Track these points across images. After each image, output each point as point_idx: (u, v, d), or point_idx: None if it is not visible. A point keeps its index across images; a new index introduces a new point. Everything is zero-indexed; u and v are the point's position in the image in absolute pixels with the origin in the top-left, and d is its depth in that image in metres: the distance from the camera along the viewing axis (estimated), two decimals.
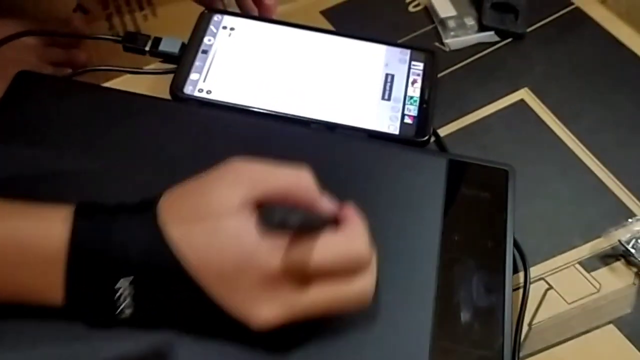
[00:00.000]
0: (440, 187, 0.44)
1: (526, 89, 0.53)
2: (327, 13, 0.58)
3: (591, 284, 0.44)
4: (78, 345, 0.35)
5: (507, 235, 0.42)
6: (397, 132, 0.47)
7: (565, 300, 0.43)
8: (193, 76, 0.48)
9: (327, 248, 0.33)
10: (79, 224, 0.32)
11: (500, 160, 0.46)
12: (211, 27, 0.51)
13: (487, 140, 0.50)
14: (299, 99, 0.48)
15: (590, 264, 0.44)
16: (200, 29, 0.51)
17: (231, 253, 0.32)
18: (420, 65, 0.51)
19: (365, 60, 0.51)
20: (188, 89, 0.47)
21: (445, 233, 0.42)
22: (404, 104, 0.48)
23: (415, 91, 0.49)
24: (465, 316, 0.39)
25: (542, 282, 0.44)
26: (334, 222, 0.35)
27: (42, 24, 0.56)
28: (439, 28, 0.57)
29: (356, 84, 0.49)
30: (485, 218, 0.43)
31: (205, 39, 0.50)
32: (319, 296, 0.33)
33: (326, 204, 0.35)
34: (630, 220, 0.46)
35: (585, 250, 0.45)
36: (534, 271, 0.44)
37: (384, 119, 0.47)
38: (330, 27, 0.56)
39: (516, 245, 0.43)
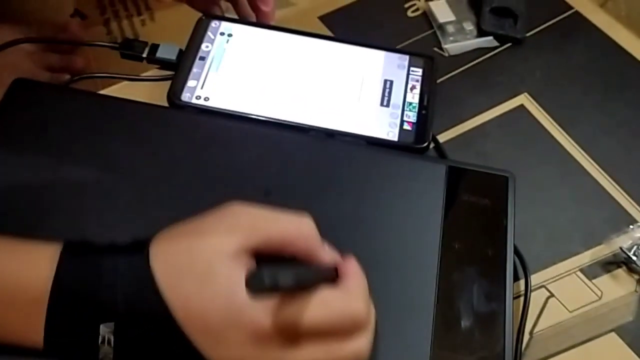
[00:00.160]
0: (439, 194, 0.44)
1: (526, 94, 0.53)
2: (325, 18, 0.57)
3: (593, 291, 0.43)
4: None
5: (507, 242, 0.42)
6: (396, 138, 0.46)
7: (566, 309, 0.43)
8: (190, 83, 0.48)
9: (322, 306, 0.31)
10: (65, 265, 0.31)
11: (499, 166, 0.46)
12: (209, 33, 0.51)
13: (486, 146, 0.50)
14: (298, 106, 0.47)
15: (591, 271, 0.44)
16: (197, 35, 0.50)
17: (221, 306, 0.31)
18: (419, 71, 0.50)
19: (364, 66, 0.50)
20: (185, 96, 0.47)
21: (445, 240, 0.42)
22: (403, 110, 0.48)
23: (414, 97, 0.49)
24: (465, 325, 0.39)
25: (543, 289, 0.43)
26: (334, 273, 0.33)
27: (39, 29, 0.56)
28: (438, 33, 0.57)
29: (355, 90, 0.49)
30: (485, 225, 0.43)
31: (203, 46, 0.50)
32: (311, 357, 0.32)
33: (326, 255, 0.34)
34: (631, 226, 0.45)
35: (587, 257, 0.45)
36: (535, 279, 0.43)
37: (383, 125, 0.47)
38: (329, 33, 0.56)
39: (517, 252, 0.43)
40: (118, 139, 0.44)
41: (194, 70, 0.48)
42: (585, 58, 0.56)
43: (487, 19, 0.57)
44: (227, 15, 0.55)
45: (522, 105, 0.52)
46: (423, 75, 0.50)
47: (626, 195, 0.48)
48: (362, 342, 0.33)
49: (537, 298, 0.43)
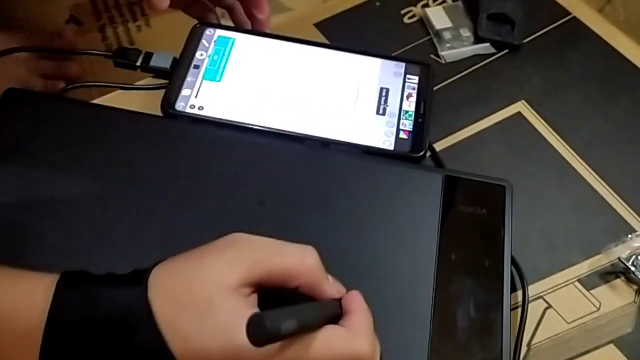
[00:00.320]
0: (436, 204, 0.43)
1: (523, 101, 0.53)
2: (321, 25, 0.57)
3: (591, 302, 0.43)
4: None
5: (504, 252, 0.42)
6: (392, 147, 0.46)
7: (564, 320, 0.42)
8: (185, 92, 0.47)
9: (326, 347, 0.30)
10: (61, 297, 0.31)
11: (497, 175, 0.45)
12: (203, 41, 0.50)
13: (483, 154, 0.49)
14: (293, 115, 0.47)
15: (589, 282, 0.44)
16: (191, 43, 0.50)
17: (221, 343, 0.30)
18: (415, 79, 0.50)
19: (360, 73, 0.50)
20: (179, 105, 0.46)
21: (441, 250, 0.41)
22: (399, 118, 0.48)
23: (410, 105, 0.48)
24: (462, 336, 0.39)
25: (540, 300, 0.43)
26: (338, 309, 0.33)
27: (33, 36, 0.56)
28: (435, 40, 0.56)
29: (351, 99, 0.48)
30: (482, 235, 0.43)
31: (197, 54, 0.49)
32: None
33: (330, 288, 0.33)
34: (630, 236, 0.45)
35: (585, 267, 0.44)
36: (533, 289, 0.43)
37: (379, 134, 0.47)
38: (325, 40, 0.56)
39: (514, 263, 0.42)
40: (111, 150, 0.43)
41: (188, 79, 0.48)
42: (583, 64, 0.55)
43: (484, 26, 0.56)
44: (222, 22, 0.54)
45: (519, 113, 0.52)
46: (419, 83, 0.50)
47: (625, 204, 0.47)
48: None
49: (534, 309, 0.42)
